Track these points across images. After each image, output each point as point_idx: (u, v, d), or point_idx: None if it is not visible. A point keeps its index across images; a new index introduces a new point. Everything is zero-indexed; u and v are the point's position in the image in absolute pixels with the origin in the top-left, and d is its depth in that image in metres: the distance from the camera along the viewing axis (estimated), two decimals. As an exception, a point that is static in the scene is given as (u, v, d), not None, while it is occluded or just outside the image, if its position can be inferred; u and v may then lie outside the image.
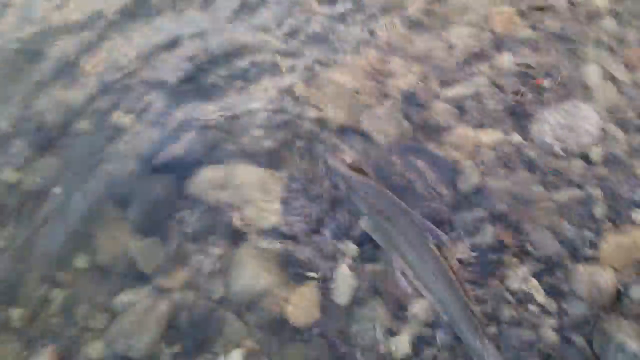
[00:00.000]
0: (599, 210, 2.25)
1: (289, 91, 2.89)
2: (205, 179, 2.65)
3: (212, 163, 2.71)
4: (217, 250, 2.47)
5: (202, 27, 3.25)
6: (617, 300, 2.02)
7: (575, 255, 2.16)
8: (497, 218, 2.30)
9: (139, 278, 2.44)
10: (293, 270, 2.36)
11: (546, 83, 2.67)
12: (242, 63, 3.08)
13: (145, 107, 3.01)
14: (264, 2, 3.33)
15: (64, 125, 3.01)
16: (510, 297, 2.09)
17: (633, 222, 2.19)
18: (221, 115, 2.85)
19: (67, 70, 3.14)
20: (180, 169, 2.71)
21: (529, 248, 2.20)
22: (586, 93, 2.60)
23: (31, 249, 2.59)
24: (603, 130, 2.47)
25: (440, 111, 2.68)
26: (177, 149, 2.79)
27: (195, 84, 3.03)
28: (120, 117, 2.94)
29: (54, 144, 2.99)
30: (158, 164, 2.74)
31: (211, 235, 2.51)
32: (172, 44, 3.20)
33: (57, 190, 2.75)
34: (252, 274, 2.37)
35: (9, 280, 2.47)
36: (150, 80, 3.09)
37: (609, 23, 2.86)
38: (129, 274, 2.48)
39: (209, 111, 2.89)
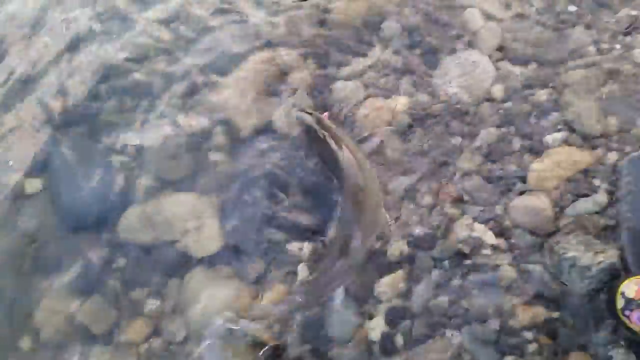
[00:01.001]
0: (517, 144, 2.38)
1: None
2: (133, 221, 2.55)
3: (135, 203, 2.60)
4: (167, 289, 2.40)
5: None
6: (557, 221, 2.16)
7: (509, 191, 2.28)
8: (428, 178, 2.38)
9: (96, 341, 2.33)
10: (251, 284, 2.33)
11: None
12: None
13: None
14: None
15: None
16: (463, 247, 2.19)
17: (548, 146, 2.34)
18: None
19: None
20: (102, 218, 2.59)
21: (466, 197, 2.31)
22: (473, 38, 2.73)
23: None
24: (498, 68, 2.60)
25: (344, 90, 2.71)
26: (92, 198, 2.66)
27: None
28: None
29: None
30: (76, 219, 2.60)
31: (156, 275, 2.43)
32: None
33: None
34: (209, 300, 2.33)
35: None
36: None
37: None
38: (83, 340, 2.36)
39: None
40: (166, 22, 3.15)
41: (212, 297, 2.32)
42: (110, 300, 2.41)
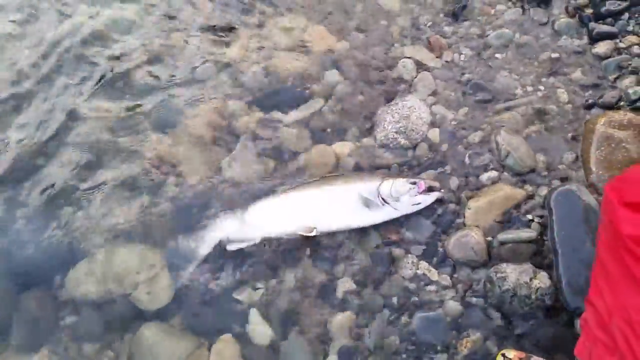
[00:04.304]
0: (454, 183, 2.52)
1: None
2: (81, 276, 2.53)
3: (82, 257, 2.58)
4: (118, 344, 2.37)
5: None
6: (490, 251, 2.30)
7: (448, 228, 2.41)
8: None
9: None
10: (203, 335, 2.34)
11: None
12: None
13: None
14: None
15: None
16: (409, 285, 2.28)
17: (483, 184, 2.49)
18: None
19: None
20: (50, 275, 2.56)
21: (409, 236, 2.41)
22: (408, 86, 2.90)
23: None
24: (433, 113, 2.77)
25: (290, 137, 2.81)
26: (38, 255, 2.62)
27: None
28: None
29: None
30: (25, 276, 2.56)
31: (108, 330, 2.40)
32: None
33: None
34: (163, 353, 2.32)
35: None
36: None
37: (403, 20, 3.21)
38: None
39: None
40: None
41: (165, 351, 2.32)
42: (62, 358, 2.37)
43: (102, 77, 3.15)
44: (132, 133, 2.91)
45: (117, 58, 3.22)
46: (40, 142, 2.92)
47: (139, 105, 3.02)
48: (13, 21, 3.41)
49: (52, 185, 2.77)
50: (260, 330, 2.30)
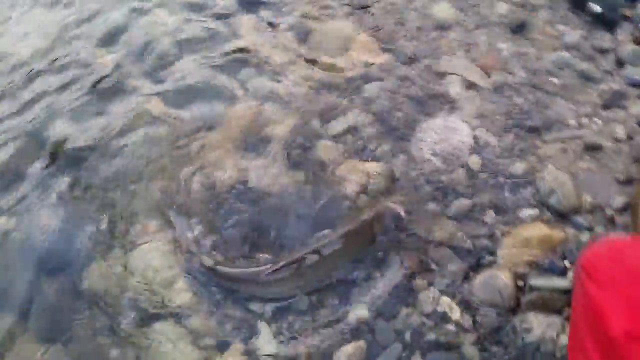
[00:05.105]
0: (489, 216, 2.36)
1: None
2: (100, 270, 2.52)
3: (105, 250, 2.57)
4: (128, 343, 2.36)
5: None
6: (522, 299, 2.12)
7: (477, 265, 2.25)
8: (400, 246, 2.35)
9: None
10: (213, 343, 2.29)
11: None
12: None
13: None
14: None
15: None
16: (427, 321, 2.15)
17: (520, 221, 2.32)
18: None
19: None
20: (72, 265, 2.56)
21: (434, 267, 2.27)
22: (452, 105, 2.74)
23: None
24: (475, 137, 2.61)
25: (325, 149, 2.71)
26: (63, 244, 2.64)
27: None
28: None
29: None
30: (48, 264, 2.58)
31: (119, 327, 2.39)
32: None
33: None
34: (174, 356, 2.28)
35: None
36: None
37: (456, 33, 3.04)
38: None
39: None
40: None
41: (176, 352, 2.28)
42: (74, 348, 2.37)
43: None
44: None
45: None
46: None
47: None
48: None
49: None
50: (268, 348, 2.24)
